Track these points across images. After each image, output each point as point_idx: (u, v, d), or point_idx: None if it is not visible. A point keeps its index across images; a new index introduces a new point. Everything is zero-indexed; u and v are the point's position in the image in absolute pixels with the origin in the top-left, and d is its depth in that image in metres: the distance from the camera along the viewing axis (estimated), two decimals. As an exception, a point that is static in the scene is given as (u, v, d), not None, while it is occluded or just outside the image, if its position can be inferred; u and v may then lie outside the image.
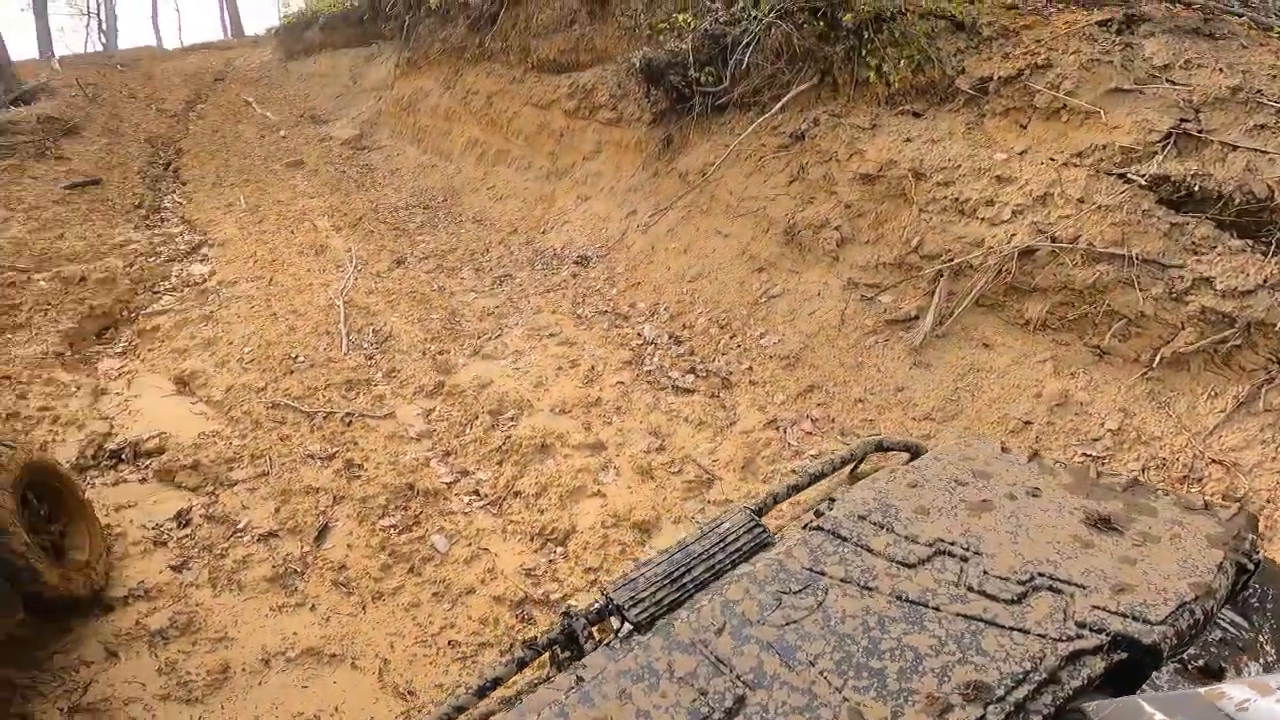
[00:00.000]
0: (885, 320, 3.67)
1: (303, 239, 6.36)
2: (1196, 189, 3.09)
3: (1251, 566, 1.08)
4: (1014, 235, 3.36)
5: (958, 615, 0.93)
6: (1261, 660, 1.04)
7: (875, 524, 1.11)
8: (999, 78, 3.83)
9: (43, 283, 4.86)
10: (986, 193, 3.54)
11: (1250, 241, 2.97)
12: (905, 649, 0.88)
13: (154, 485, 3.03)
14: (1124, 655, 0.86)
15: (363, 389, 3.92)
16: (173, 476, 3.06)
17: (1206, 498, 1.19)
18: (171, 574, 2.61)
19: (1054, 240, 3.24)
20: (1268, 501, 2.74)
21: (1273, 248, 2.89)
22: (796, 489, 1.44)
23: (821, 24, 4.47)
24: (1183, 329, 2.97)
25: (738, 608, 0.98)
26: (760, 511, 1.30)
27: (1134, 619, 0.90)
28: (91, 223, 6.46)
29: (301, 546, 2.76)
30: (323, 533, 2.84)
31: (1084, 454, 3.03)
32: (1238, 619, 1.11)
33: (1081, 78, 3.60)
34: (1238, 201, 3.01)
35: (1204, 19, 3.69)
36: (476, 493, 3.17)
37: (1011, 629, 0.90)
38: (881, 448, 1.54)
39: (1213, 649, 0.97)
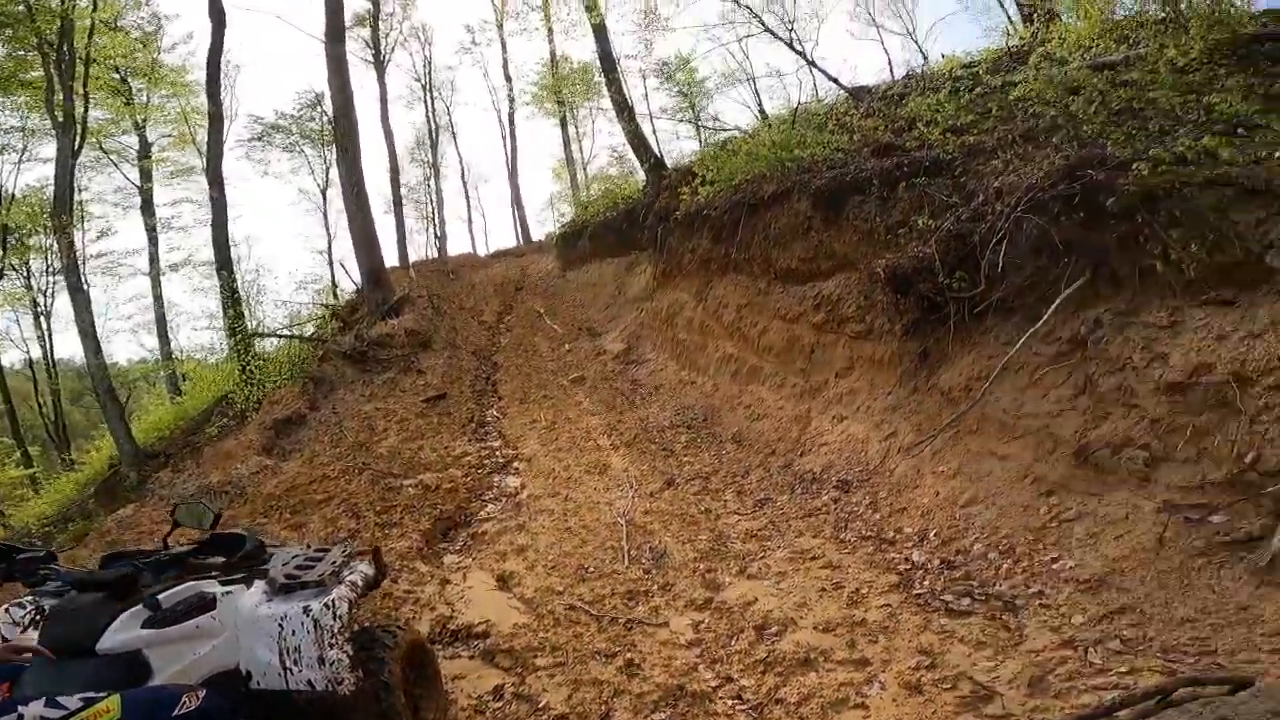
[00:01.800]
0: (1219, 542, 3.33)
1: (589, 458, 7.64)
2: None
3: None
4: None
5: None
6: None
7: None
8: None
9: (410, 488, 6.61)
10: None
11: None
12: None
13: (479, 663, 3.84)
14: None
15: (641, 599, 4.52)
16: (493, 657, 3.85)
17: None
18: (486, 740, 3.23)
19: None
20: None
21: None
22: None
23: (1078, 212, 4.34)
24: None
25: None
26: None
27: None
28: (440, 435, 8.57)
29: (586, 730, 3.25)
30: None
31: None
32: None
33: None
34: None
35: None
36: (739, 697, 3.46)
37: None
38: (1197, 683, 1.54)
39: None
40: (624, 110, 14.28)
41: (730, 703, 3.42)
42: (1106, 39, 6.67)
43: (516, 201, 30.90)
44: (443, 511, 6.18)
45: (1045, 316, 4.51)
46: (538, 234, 28.78)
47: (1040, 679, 3.06)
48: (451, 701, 3.46)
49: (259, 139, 23.80)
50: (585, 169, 28.79)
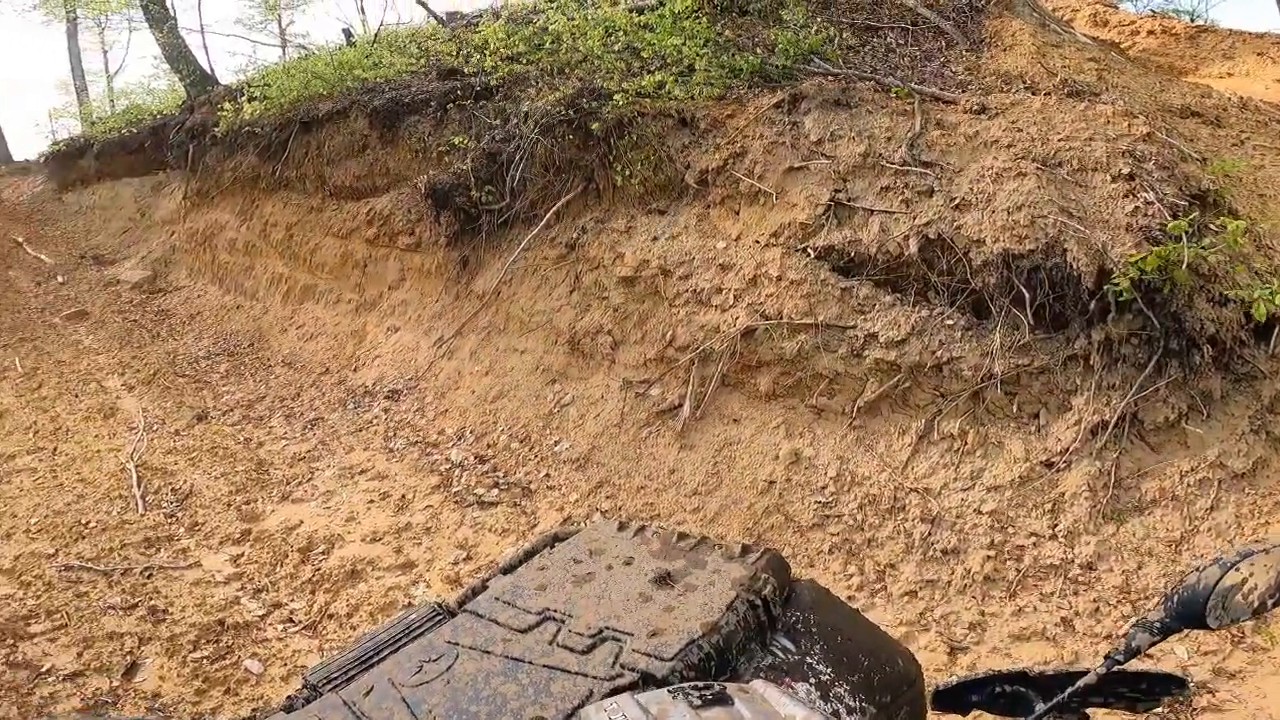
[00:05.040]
0: (655, 412, 4.98)
1: (89, 402, 7.10)
2: (853, 254, 4.48)
3: (761, 602, 1.45)
4: (738, 318, 4.70)
5: (543, 666, 1.31)
6: (813, 678, 1.38)
7: (505, 602, 1.52)
8: (713, 169, 5.07)
9: None
10: (715, 281, 4.87)
11: (898, 295, 4.34)
12: (497, 695, 1.26)
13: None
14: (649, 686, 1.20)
15: (164, 544, 4.72)
16: (-41, 643, 3.74)
17: (746, 544, 1.64)
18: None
19: (765, 318, 4.57)
20: (957, 517, 4.10)
21: (911, 298, 4.32)
22: (487, 581, 1.82)
23: (577, 135, 5.65)
24: (867, 380, 4.31)
25: (387, 675, 1.35)
26: (463, 602, 1.63)
27: (655, 658, 1.29)
28: None
29: (110, 682, 3.54)
30: (132, 669, 3.62)
31: (816, 502, 4.34)
32: (788, 644, 1.46)
33: (767, 161, 4.89)
34: (880, 261, 4.39)
35: (843, 89, 5.11)
36: (291, 620, 4.06)
37: (576, 673, 1.27)
38: (557, 539, 1.95)
39: (763, 673, 1.33)
40: (161, 22, 13.27)
41: (281, 626, 4.01)
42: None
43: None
44: None
45: (544, 221, 5.95)
46: (25, 153, 23.38)
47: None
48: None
49: None
50: (110, 80, 26.23)
